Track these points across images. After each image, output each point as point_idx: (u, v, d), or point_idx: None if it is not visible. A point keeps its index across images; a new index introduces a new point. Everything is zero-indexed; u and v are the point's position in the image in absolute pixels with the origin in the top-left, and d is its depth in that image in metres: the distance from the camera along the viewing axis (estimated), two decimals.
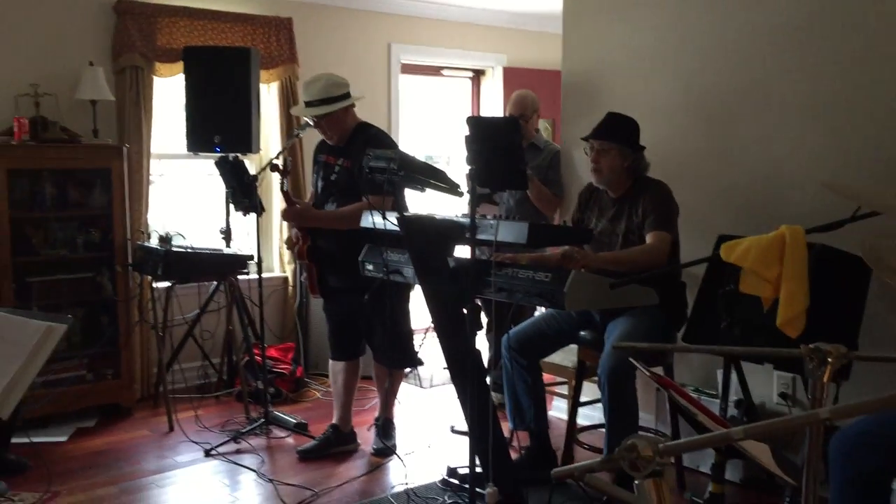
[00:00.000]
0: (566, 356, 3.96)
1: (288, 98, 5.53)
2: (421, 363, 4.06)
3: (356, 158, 3.18)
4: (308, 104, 3.83)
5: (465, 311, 2.95)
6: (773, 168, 3.64)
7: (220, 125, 4.82)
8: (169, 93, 5.22)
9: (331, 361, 4.19)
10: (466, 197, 2.95)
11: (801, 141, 3.55)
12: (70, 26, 4.84)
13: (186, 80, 4.91)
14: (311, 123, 3.95)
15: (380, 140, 3.78)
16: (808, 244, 2.74)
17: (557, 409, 4.59)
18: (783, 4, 3.59)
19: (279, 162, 3.95)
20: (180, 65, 4.98)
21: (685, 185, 3.89)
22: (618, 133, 3.44)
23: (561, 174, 4.50)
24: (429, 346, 4.05)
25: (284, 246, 4.20)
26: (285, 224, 5.31)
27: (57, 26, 4.79)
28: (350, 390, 4.17)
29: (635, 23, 4.20)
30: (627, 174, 3.48)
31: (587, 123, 3.65)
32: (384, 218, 3.01)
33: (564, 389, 4.38)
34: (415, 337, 4.02)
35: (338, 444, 4.13)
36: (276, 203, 5.57)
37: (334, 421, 4.18)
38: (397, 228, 3.02)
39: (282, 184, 3.96)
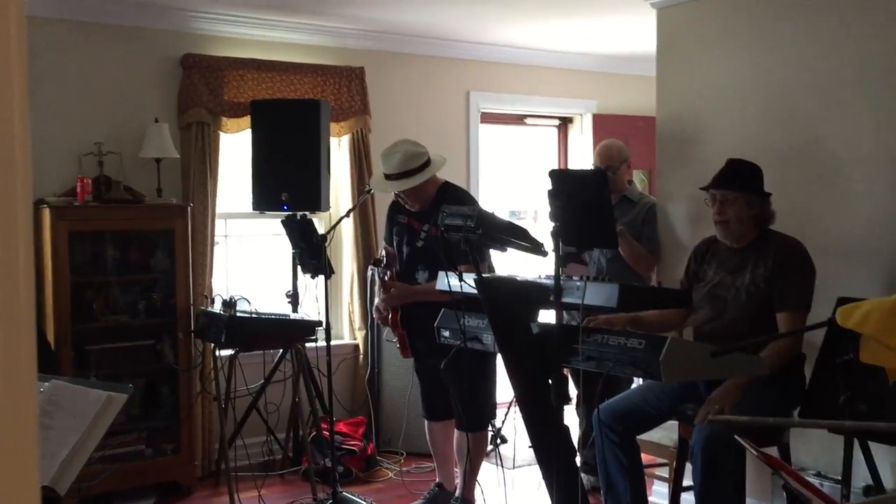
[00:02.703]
0: (666, 433, 3.89)
1: (360, 151, 5.65)
2: (504, 440, 4.07)
3: None
4: (388, 177, 4.03)
5: (550, 382, 2.93)
6: None
7: (287, 182, 4.94)
8: (235, 149, 5.39)
9: (426, 422, 4.45)
10: (552, 256, 2.95)
11: None
12: (135, 82, 5.10)
13: (253, 134, 5.07)
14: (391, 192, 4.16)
15: (464, 202, 3.89)
16: None
17: (658, 495, 4.49)
18: None
19: (380, 256, 4.22)
20: (247, 119, 5.18)
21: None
22: (743, 180, 3.47)
23: (657, 230, 4.47)
24: (512, 422, 3.98)
25: (375, 314, 4.46)
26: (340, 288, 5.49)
27: (121, 83, 5.06)
28: (448, 449, 4.39)
29: (736, 62, 4.19)
30: (753, 224, 3.50)
31: (685, 174, 3.66)
32: (461, 279, 3.06)
33: (665, 472, 4.29)
34: (497, 409, 4.10)
35: (444, 502, 4.41)
36: (347, 264, 5.71)
37: (438, 479, 4.47)
38: (475, 291, 3.03)
39: (382, 273, 4.17)
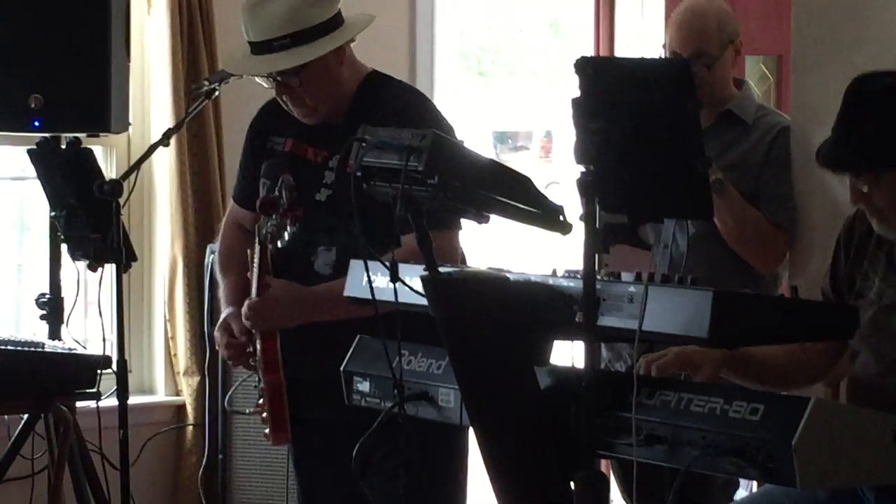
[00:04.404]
0: None
1: (191, 18, 4.56)
2: None
3: None
4: (257, 48, 3.03)
5: (574, 486, 2.35)
6: None
7: (41, 76, 3.97)
8: None
9: None
10: (578, 233, 2.43)
11: None
12: None
13: None
14: (268, 84, 3.15)
15: (413, 109, 3.09)
16: None
17: None
18: None
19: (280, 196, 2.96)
20: None
21: None
22: (889, 141, 2.69)
23: (792, 180, 3.54)
24: None
25: (221, 347, 3.38)
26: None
27: None
28: None
29: None
30: None
31: (850, 64, 3.07)
32: (394, 279, 2.35)
33: None
34: None
35: None
36: (162, 244, 4.60)
37: None
38: (424, 302, 2.37)
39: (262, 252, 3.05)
